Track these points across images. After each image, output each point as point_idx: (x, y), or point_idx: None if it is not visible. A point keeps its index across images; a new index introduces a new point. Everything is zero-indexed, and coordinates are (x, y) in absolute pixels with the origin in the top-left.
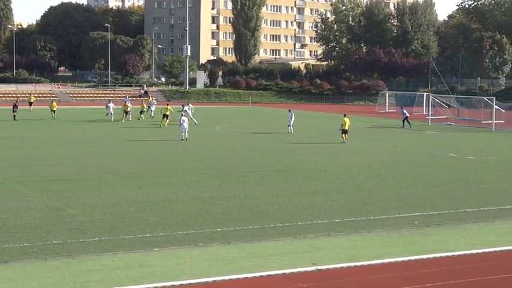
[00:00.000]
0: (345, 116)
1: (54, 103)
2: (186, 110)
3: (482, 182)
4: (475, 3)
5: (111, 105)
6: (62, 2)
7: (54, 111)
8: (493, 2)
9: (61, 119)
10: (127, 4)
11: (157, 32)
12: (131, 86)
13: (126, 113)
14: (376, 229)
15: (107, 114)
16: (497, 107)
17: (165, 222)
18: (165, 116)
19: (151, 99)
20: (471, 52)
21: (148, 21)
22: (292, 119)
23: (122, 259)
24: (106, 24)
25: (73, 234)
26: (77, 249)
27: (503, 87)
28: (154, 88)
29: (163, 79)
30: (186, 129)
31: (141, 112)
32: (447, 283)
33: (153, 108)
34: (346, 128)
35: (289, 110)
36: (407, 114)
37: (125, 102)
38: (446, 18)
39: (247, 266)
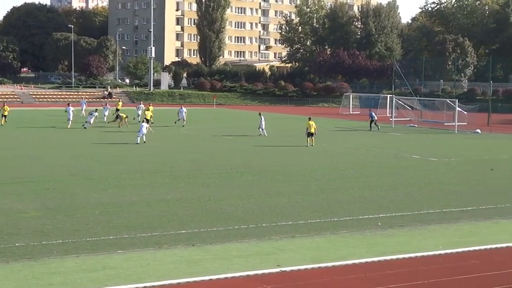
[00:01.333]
0: (309, 119)
1: (6, 106)
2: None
3: (445, 184)
4: (438, 6)
5: (107, 107)
6: (25, 3)
7: (5, 116)
8: (455, 5)
9: (24, 121)
10: (91, 5)
11: (121, 33)
12: (95, 87)
13: (118, 116)
14: (339, 230)
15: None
16: (460, 109)
17: (129, 225)
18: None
19: (120, 103)
20: (434, 55)
21: (112, 23)
22: (263, 122)
23: (85, 261)
24: (69, 25)
25: (36, 237)
26: (39, 252)
27: (466, 90)
28: (118, 89)
29: (127, 80)
30: (144, 134)
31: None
32: (410, 284)
33: (106, 112)
34: (312, 131)
35: (259, 114)
36: (375, 118)
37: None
38: (410, 21)
39: (212, 268)
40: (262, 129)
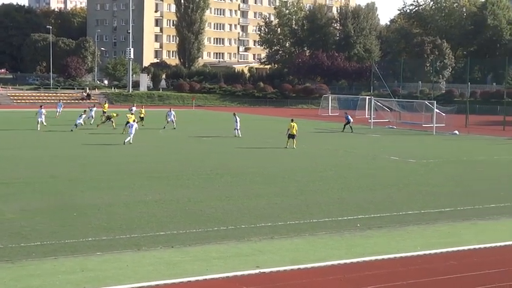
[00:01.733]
0: (292, 120)
1: None
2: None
3: (423, 185)
4: (416, 8)
5: (94, 109)
6: (3, 3)
7: None
8: (433, 7)
9: (1, 122)
10: (69, 6)
11: (100, 35)
12: (73, 88)
13: (109, 118)
14: (318, 232)
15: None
16: (438, 111)
17: (107, 226)
18: (142, 118)
19: (106, 105)
20: (412, 56)
21: (91, 24)
22: (238, 123)
23: (63, 263)
24: (48, 26)
25: (14, 239)
26: (17, 254)
27: (444, 91)
28: (97, 91)
29: (106, 82)
30: (132, 134)
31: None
32: (389, 285)
33: (92, 113)
34: (294, 132)
35: (234, 114)
36: (351, 120)
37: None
38: (388, 23)
39: (191, 270)
40: (237, 130)
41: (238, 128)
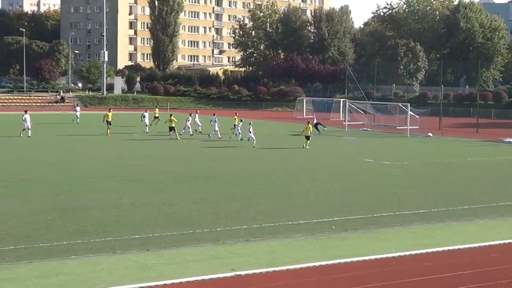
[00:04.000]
0: (308, 123)
1: None
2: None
3: (398, 187)
4: (389, 11)
5: (146, 114)
6: None
7: None
8: (407, 10)
9: None
10: (42, 8)
11: (73, 37)
12: (47, 91)
13: (109, 123)
14: (294, 234)
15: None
16: (412, 113)
17: (82, 230)
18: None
19: (157, 110)
20: (386, 59)
21: (65, 26)
22: (216, 124)
23: (38, 268)
24: (21, 29)
25: None
26: None
27: (417, 94)
28: (71, 94)
29: (80, 85)
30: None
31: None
32: (364, 287)
33: (147, 121)
34: (308, 133)
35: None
36: (315, 121)
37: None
38: (362, 26)
39: (166, 273)
40: (216, 131)
41: (217, 129)
